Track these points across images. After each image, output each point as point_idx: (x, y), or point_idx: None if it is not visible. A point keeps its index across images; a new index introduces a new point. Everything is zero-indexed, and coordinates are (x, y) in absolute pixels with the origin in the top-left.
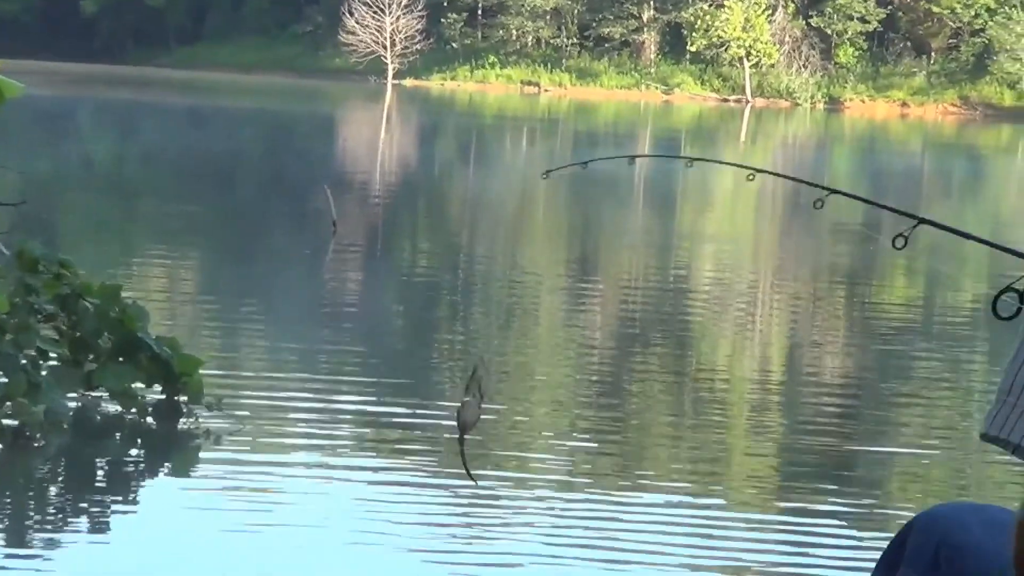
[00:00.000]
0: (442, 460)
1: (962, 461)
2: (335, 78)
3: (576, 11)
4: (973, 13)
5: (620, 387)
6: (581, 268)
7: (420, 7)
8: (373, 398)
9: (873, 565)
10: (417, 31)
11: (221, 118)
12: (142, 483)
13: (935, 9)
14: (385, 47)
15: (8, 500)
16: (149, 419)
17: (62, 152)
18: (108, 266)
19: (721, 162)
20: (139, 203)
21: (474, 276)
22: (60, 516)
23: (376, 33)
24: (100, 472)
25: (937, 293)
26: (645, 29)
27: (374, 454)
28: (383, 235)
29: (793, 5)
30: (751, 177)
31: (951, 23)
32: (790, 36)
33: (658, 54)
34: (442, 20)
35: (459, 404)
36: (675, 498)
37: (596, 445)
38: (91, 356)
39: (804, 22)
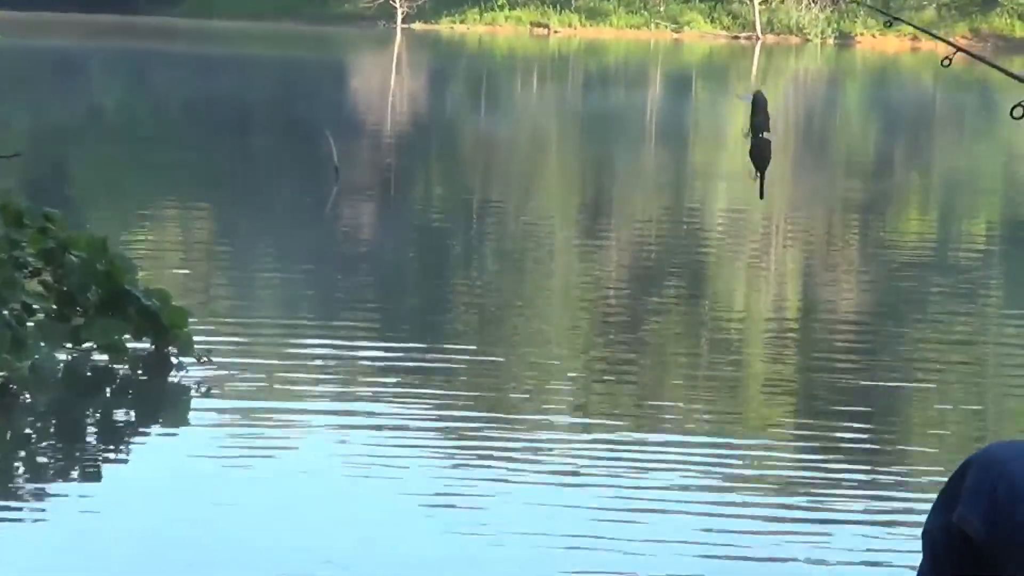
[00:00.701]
0: (449, 403)
1: (980, 395)
2: (344, 24)
3: None
4: None
5: (636, 326)
6: (594, 208)
7: None
8: (371, 343)
9: (890, 502)
10: None
11: (230, 66)
12: (133, 437)
13: None
14: None
15: None
16: (139, 372)
17: (70, 103)
18: (107, 216)
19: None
20: (145, 152)
21: (486, 219)
22: (50, 472)
23: None
24: (90, 427)
25: (952, 227)
26: None
27: (373, 402)
28: (391, 180)
29: None
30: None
31: None
32: None
33: None
34: None
35: (751, 147)
36: (692, 436)
37: (612, 384)
38: (78, 310)
39: None
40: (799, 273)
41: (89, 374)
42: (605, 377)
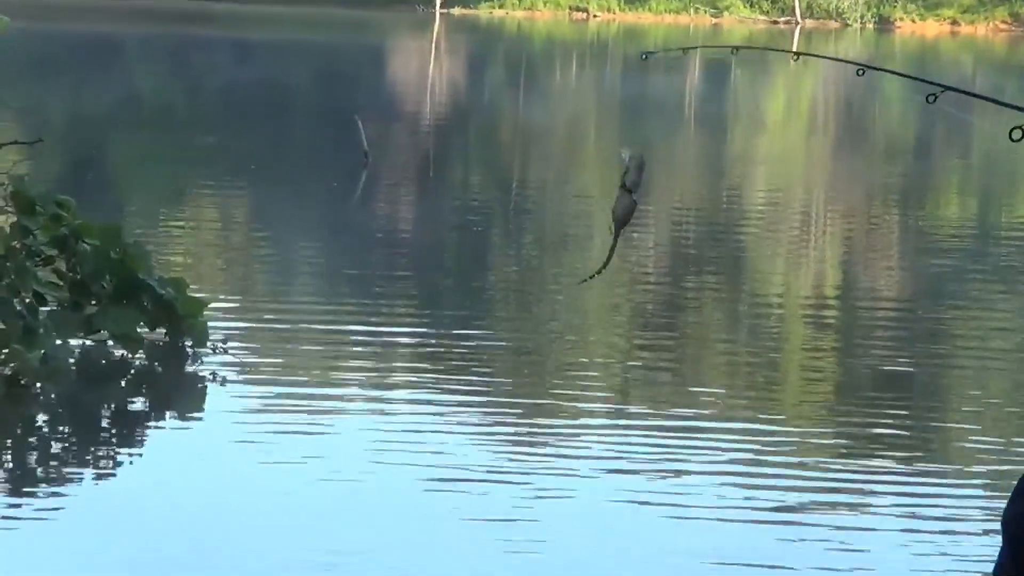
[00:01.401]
0: (487, 388)
1: (1021, 379)
2: (382, 8)
3: None
4: None
5: (674, 311)
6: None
7: None
8: (395, 328)
9: (932, 482)
10: None
11: (267, 51)
12: (147, 428)
13: None
14: None
15: (8, 449)
16: (154, 362)
17: (103, 88)
18: (133, 202)
19: (831, 58)
20: (176, 137)
21: (524, 203)
22: (63, 464)
23: None
24: (103, 417)
25: (992, 211)
26: None
27: (395, 388)
28: (429, 164)
29: None
30: (860, 72)
31: None
32: None
33: None
34: None
35: (614, 198)
36: (732, 416)
37: (651, 369)
38: (92, 299)
39: None
40: (838, 257)
41: (103, 364)
42: (644, 362)
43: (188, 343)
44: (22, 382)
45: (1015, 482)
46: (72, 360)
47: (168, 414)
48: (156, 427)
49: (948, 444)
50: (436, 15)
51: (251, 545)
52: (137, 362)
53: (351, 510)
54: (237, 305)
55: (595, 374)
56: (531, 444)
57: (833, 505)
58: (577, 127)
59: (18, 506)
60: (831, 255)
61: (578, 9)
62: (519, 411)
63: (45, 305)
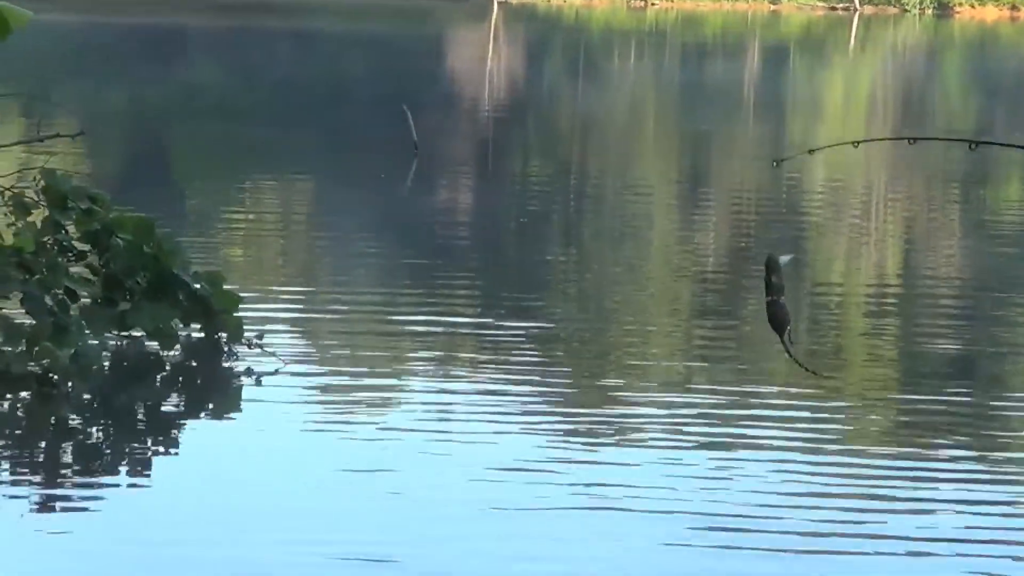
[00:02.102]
0: (545, 376)
1: None
2: None
3: None
4: None
5: (735, 298)
6: (693, 180)
7: None
8: (432, 318)
9: (994, 467)
10: None
11: (325, 41)
12: (182, 426)
13: None
14: None
15: (40, 449)
16: (188, 359)
17: (157, 80)
18: (176, 195)
19: (1002, 144)
20: (228, 129)
21: (582, 191)
22: (95, 463)
23: None
24: (138, 416)
25: None
26: None
27: (439, 381)
28: (480, 154)
29: None
30: (974, 147)
31: None
32: None
33: None
34: None
35: (766, 308)
36: (794, 403)
37: (711, 355)
38: (126, 295)
39: None
40: (899, 243)
41: (136, 361)
42: (705, 348)
43: (223, 338)
44: (53, 380)
45: None
46: (105, 357)
47: (203, 411)
48: (190, 425)
49: (1011, 429)
50: (494, 4)
51: (289, 543)
52: (171, 359)
53: (395, 506)
54: (275, 298)
55: (654, 363)
56: (590, 435)
57: (894, 488)
58: (636, 116)
59: (51, 508)
60: (892, 240)
61: None
62: (577, 402)
63: (77, 301)
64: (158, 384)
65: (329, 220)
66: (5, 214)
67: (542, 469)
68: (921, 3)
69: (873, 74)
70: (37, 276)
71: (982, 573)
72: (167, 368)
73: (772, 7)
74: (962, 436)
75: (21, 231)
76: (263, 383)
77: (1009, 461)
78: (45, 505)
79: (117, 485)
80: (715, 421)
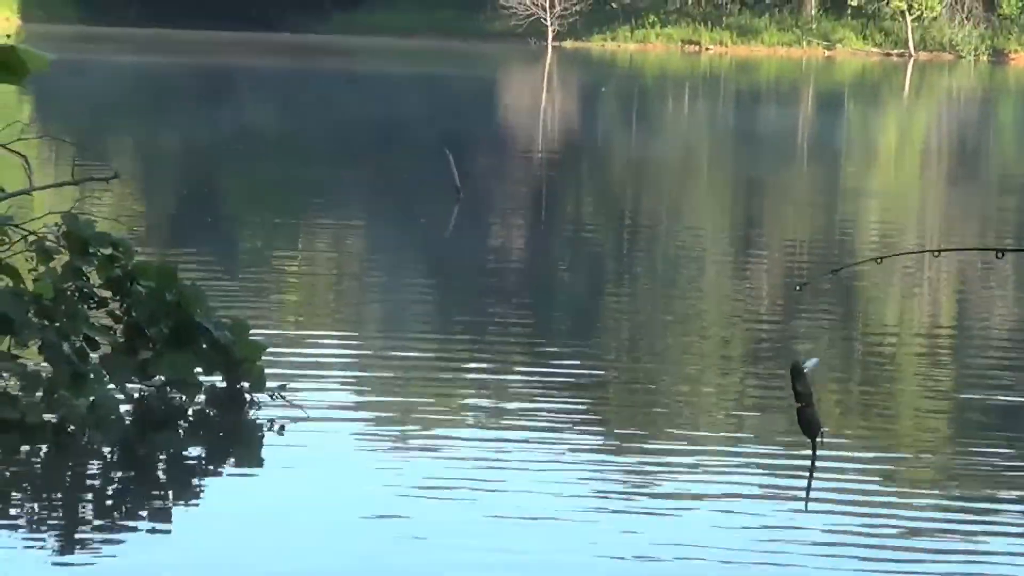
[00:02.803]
0: (599, 420)
1: None
2: (495, 41)
3: None
4: None
5: (787, 344)
6: (746, 226)
7: None
8: (462, 366)
9: None
10: None
11: (379, 84)
12: (203, 478)
13: None
14: (544, 9)
15: (58, 501)
16: (209, 409)
17: (211, 122)
18: (212, 236)
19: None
20: (275, 170)
21: (636, 236)
22: (116, 514)
23: None
24: (155, 467)
25: None
26: None
27: (464, 436)
28: (530, 197)
29: None
30: (1000, 256)
31: None
32: None
33: (819, 9)
34: None
35: (797, 416)
36: (846, 450)
37: (764, 403)
38: (148, 343)
39: None
40: (952, 290)
41: (156, 411)
42: (757, 395)
43: (246, 388)
44: (69, 430)
45: None
46: (124, 407)
47: (223, 464)
48: (211, 476)
49: None
50: (548, 48)
51: None
52: (192, 409)
53: (420, 557)
54: (301, 344)
55: (705, 410)
56: (638, 484)
57: (948, 538)
58: (690, 160)
59: (69, 559)
60: (945, 287)
61: (690, 42)
62: (625, 450)
63: (96, 349)
64: (179, 434)
65: (363, 264)
66: (27, 259)
67: (586, 520)
68: (976, 49)
69: (928, 120)
70: (56, 323)
71: None
72: (189, 417)
73: (827, 53)
74: (1016, 487)
75: (41, 277)
76: (286, 433)
77: None
78: (63, 556)
79: (137, 536)
80: (767, 471)
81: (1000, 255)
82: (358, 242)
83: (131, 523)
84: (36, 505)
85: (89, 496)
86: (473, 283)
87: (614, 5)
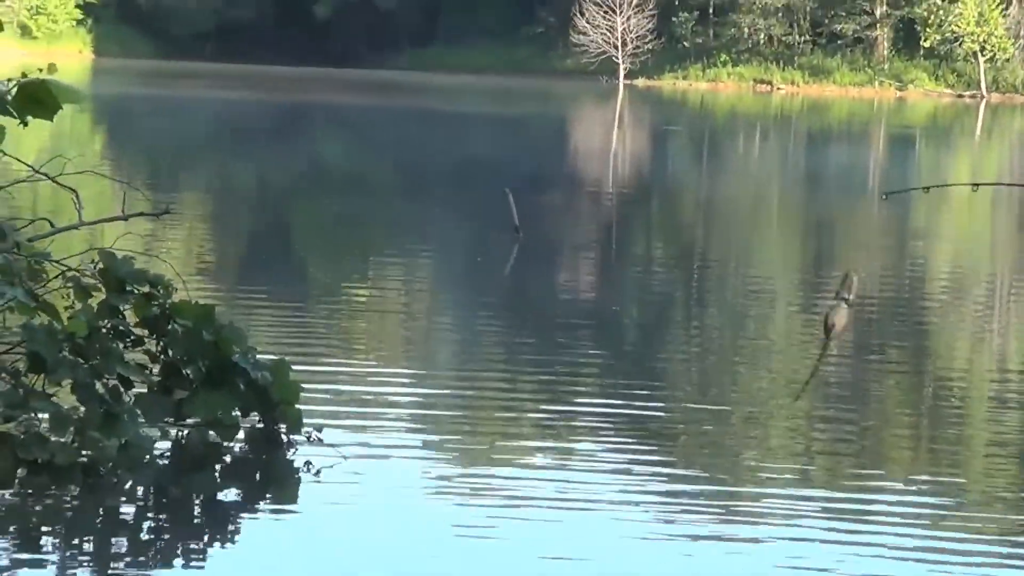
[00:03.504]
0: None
1: None
2: (567, 79)
3: (808, 8)
4: None
5: (857, 386)
6: (816, 266)
7: (651, 6)
8: (501, 413)
9: None
10: (648, 30)
11: (453, 121)
12: (237, 521)
13: None
14: (616, 47)
15: (89, 543)
16: (245, 451)
17: (283, 156)
18: (260, 273)
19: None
20: (344, 206)
21: (705, 277)
22: (149, 557)
23: (607, 33)
24: (188, 510)
25: None
26: (878, 25)
27: (505, 478)
28: (605, 237)
29: None
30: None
31: None
32: None
33: (891, 50)
34: (673, 19)
35: (828, 308)
36: (914, 491)
37: (832, 445)
38: (183, 383)
39: None
40: (1022, 333)
41: (190, 452)
42: (826, 437)
43: (283, 429)
44: (100, 472)
45: None
46: (157, 448)
47: (258, 507)
48: (246, 519)
49: None
50: (620, 86)
51: None
52: (227, 450)
53: None
54: (337, 383)
55: (772, 453)
56: (708, 517)
57: None
58: (760, 200)
59: None
60: (1016, 331)
61: (762, 82)
62: (690, 493)
63: (130, 389)
64: (210, 477)
65: (412, 303)
66: (64, 296)
67: (648, 560)
68: None
69: (1000, 162)
70: (90, 362)
71: None
72: (222, 460)
73: (898, 94)
74: None
75: (76, 315)
76: (322, 477)
77: None
78: None
79: None
80: (834, 515)
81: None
82: (411, 280)
83: (164, 565)
84: (67, 548)
85: (123, 538)
86: (525, 323)
87: (686, 44)
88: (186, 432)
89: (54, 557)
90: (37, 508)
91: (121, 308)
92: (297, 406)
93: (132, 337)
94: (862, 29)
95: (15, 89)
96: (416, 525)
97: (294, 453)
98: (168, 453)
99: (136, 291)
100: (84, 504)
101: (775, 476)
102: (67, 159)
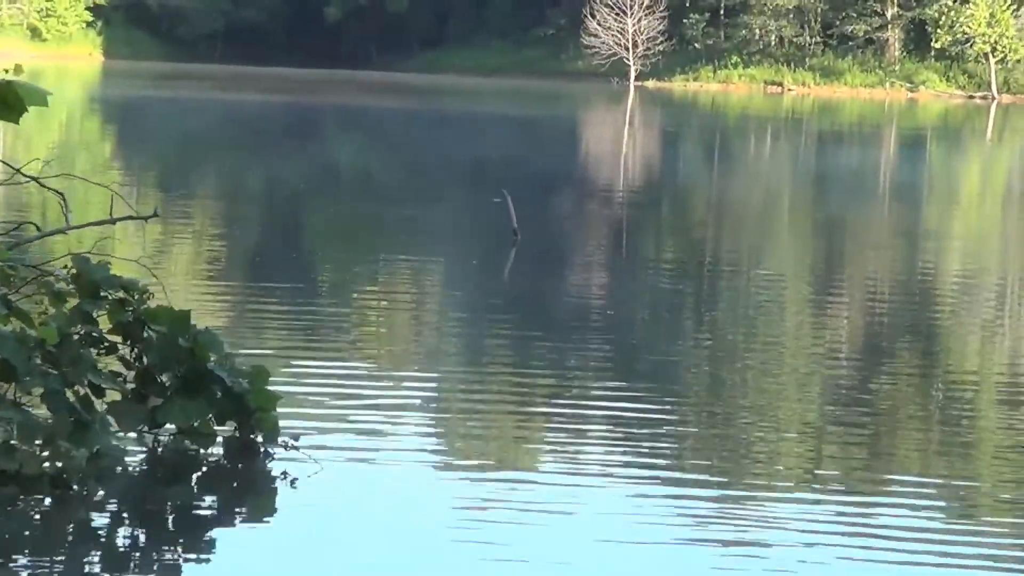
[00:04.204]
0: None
1: None
2: (577, 80)
3: (819, 9)
4: None
5: (867, 388)
6: (827, 268)
7: (662, 8)
8: (495, 418)
9: None
10: (659, 32)
11: (463, 123)
12: (210, 531)
13: None
14: (627, 49)
15: (64, 553)
16: (220, 460)
17: (292, 158)
18: (249, 276)
19: None
20: (346, 207)
21: (716, 277)
22: (124, 568)
23: (618, 35)
24: (168, 518)
25: None
26: (889, 26)
27: (491, 487)
28: (623, 238)
29: None
30: None
31: None
32: None
33: (902, 51)
34: (684, 21)
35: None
36: (925, 493)
37: (843, 448)
38: (157, 390)
39: None
40: None
41: (164, 462)
42: (836, 440)
43: (259, 438)
44: (70, 484)
45: None
46: (132, 458)
47: (233, 517)
48: (222, 529)
49: None
50: (631, 88)
51: None
52: (202, 459)
53: None
54: (311, 391)
55: (785, 455)
56: (720, 519)
57: None
58: (771, 201)
59: None
60: None
61: (773, 83)
62: (707, 487)
63: (102, 397)
64: (183, 486)
65: (402, 306)
66: (40, 302)
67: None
68: None
69: (1010, 163)
70: (60, 369)
71: None
72: (197, 469)
73: (910, 95)
74: None
75: (47, 321)
76: (298, 486)
77: None
78: None
79: None
80: (843, 518)
81: None
82: (404, 282)
83: None
84: (38, 562)
85: (96, 551)
86: (526, 323)
87: (697, 45)
88: (161, 441)
89: (24, 574)
90: (5, 520)
91: (95, 314)
92: (274, 413)
93: (106, 344)
94: (873, 30)
95: None
96: (394, 534)
97: (271, 462)
98: (142, 463)
99: (110, 296)
100: (55, 516)
101: (786, 482)
102: (46, 162)
